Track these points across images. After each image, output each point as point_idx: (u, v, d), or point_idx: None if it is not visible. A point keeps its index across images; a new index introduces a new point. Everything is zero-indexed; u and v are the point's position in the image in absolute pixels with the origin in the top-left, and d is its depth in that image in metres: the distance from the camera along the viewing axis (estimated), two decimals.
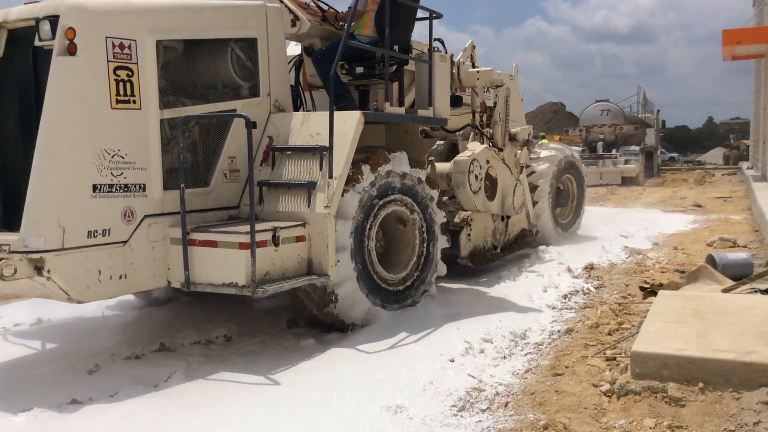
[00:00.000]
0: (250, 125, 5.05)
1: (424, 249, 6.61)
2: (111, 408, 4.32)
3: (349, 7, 6.55)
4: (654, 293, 6.20)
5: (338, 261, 5.54)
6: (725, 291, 6.02)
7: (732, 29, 18.93)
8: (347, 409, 4.10)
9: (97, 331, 6.10)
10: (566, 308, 6.44)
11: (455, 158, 7.72)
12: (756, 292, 6.32)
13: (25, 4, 5.00)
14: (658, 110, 35.26)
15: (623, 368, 4.32)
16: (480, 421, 3.94)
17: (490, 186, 7.99)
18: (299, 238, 5.41)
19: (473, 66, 8.69)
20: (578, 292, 7.05)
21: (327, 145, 5.47)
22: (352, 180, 5.71)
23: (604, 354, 4.84)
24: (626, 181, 24.82)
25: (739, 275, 6.77)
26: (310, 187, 5.47)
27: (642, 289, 6.89)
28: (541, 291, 7.09)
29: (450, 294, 7.04)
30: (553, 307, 6.46)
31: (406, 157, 6.36)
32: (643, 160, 26.78)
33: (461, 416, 4.02)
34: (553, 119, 42.84)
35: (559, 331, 5.67)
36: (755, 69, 25.71)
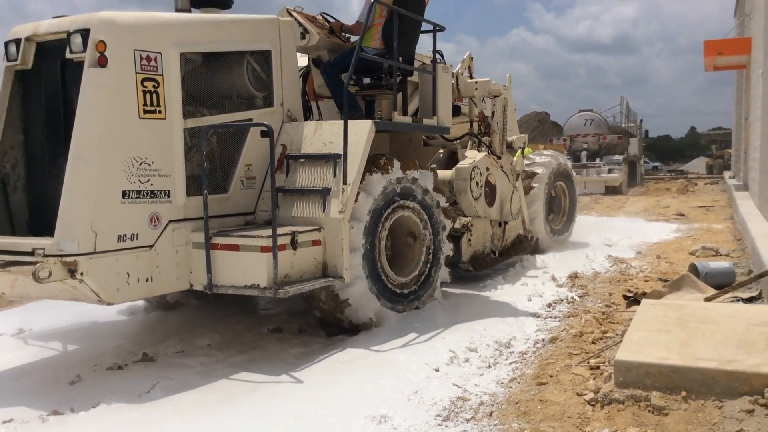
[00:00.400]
0: (272, 134, 5.29)
1: (431, 241, 6.85)
2: (92, 419, 4.29)
3: (357, 21, 6.95)
4: (637, 302, 6.24)
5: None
6: (708, 300, 6.06)
7: (713, 40, 19.16)
8: (331, 420, 4.08)
9: (79, 340, 6.05)
10: (551, 317, 6.46)
11: (457, 166, 8.02)
12: (738, 300, 6.38)
13: (53, 18, 5.25)
14: (641, 120, 35.62)
15: (607, 377, 4.34)
16: (464, 431, 3.93)
17: (490, 192, 8.33)
18: (315, 242, 5.66)
19: (471, 77, 8.96)
20: (562, 300, 7.07)
21: (340, 152, 5.71)
22: (382, 168, 6.16)
23: (588, 363, 4.86)
24: (610, 190, 24.99)
25: (722, 284, 6.83)
26: (324, 193, 5.71)
27: (625, 297, 6.93)
28: (525, 300, 7.10)
29: (436, 302, 7.03)
30: (538, 316, 6.48)
31: (431, 175, 6.80)
32: (626, 169, 27.01)
33: (446, 426, 4.01)
34: (538, 129, 43.08)
35: (543, 340, 5.68)
36: (737, 79, 25.99)
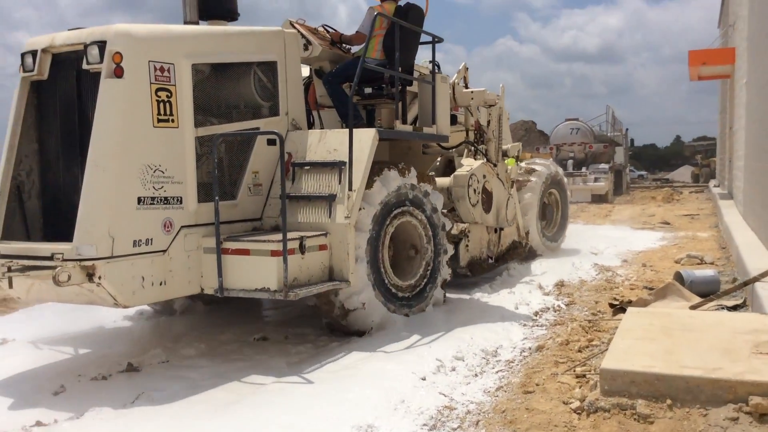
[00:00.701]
0: (282, 142, 5.49)
1: (432, 258, 7.03)
2: (75, 430, 4.25)
3: (357, 32, 7.11)
4: (623, 310, 6.26)
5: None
6: (693, 308, 6.09)
7: (698, 50, 19.34)
8: (317, 430, 4.06)
9: (63, 349, 6.00)
10: (537, 325, 6.47)
11: (455, 173, 8.28)
12: (723, 308, 6.42)
13: (68, 30, 5.42)
14: (627, 129, 35.87)
15: (593, 385, 4.34)
16: None
17: (487, 199, 8.60)
18: (322, 247, 5.82)
19: (466, 86, 9.17)
20: (549, 309, 7.09)
21: (345, 160, 5.92)
22: (400, 171, 6.51)
23: (574, 371, 4.86)
24: (596, 198, 25.13)
25: (707, 292, 6.87)
26: (330, 200, 5.89)
27: (611, 305, 6.96)
28: (512, 308, 7.12)
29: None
30: (525, 324, 6.49)
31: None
32: (612, 177, 27.17)
33: None
34: (525, 137, 43.23)
35: (530, 348, 5.69)
36: (721, 89, 26.25)
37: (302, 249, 5.55)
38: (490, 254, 9.01)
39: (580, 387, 4.51)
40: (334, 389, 4.72)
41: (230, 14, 6.57)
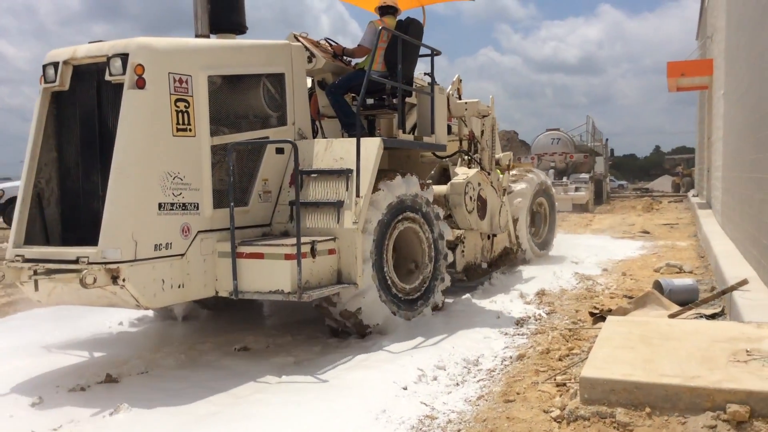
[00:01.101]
0: (297, 150, 5.78)
1: (432, 263, 7.36)
2: None
3: (359, 45, 7.33)
4: (603, 318, 6.30)
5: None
6: (671, 316, 6.14)
7: (676, 61, 19.58)
8: None
9: (41, 359, 5.92)
10: (518, 334, 6.49)
11: (452, 181, 8.65)
12: (701, 317, 6.48)
13: (90, 43, 5.68)
14: (607, 139, 36.19)
15: (573, 394, 4.36)
16: None
17: (482, 206, 8.98)
18: (331, 251, 6.07)
19: (459, 98, 9.57)
20: (530, 318, 7.12)
21: (351, 167, 6.18)
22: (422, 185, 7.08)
23: (555, 380, 4.89)
24: (577, 208, 25.31)
25: (685, 300, 6.93)
26: (338, 206, 6.14)
27: (591, 314, 7.00)
28: (494, 317, 7.14)
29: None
30: (506, 333, 6.50)
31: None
32: (592, 187, 27.39)
33: None
34: (506, 147, 43.53)
35: (511, 357, 5.70)
36: (699, 100, 26.57)
37: (313, 253, 5.78)
38: (483, 260, 9.34)
39: (560, 396, 4.53)
40: (314, 399, 4.71)
41: (239, 27, 6.88)
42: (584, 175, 27.14)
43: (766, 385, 3.74)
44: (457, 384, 5.09)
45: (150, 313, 7.66)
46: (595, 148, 32.19)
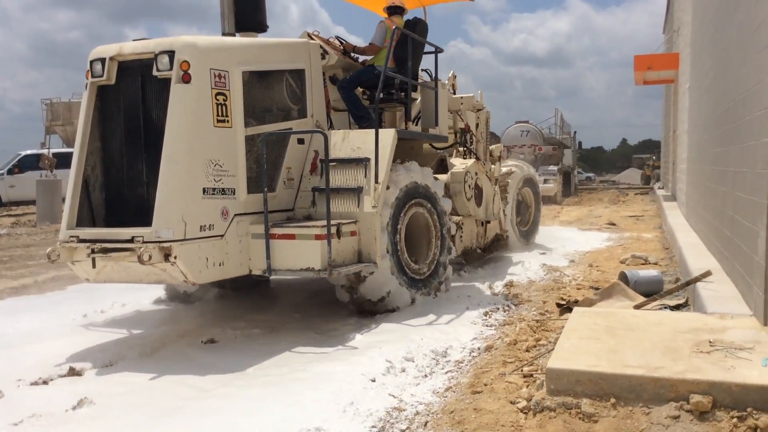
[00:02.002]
0: (327, 139, 6.37)
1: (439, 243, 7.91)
2: None
3: (370, 43, 7.84)
4: (570, 310, 6.35)
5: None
6: (637, 307, 6.21)
7: (643, 55, 19.77)
8: None
9: (2, 354, 5.80)
10: (487, 325, 6.52)
11: (452, 170, 9.26)
12: (666, 308, 6.56)
13: (134, 41, 6.18)
14: (575, 131, 36.53)
15: (539, 385, 4.39)
16: None
17: (478, 194, 9.57)
18: (353, 233, 6.61)
19: (454, 93, 10.18)
20: (498, 309, 7.15)
21: (369, 156, 6.73)
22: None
23: (522, 371, 4.91)
24: (545, 200, 25.41)
25: (650, 292, 7.02)
26: (358, 191, 6.71)
27: (558, 305, 7.05)
28: (462, 308, 7.16)
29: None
30: (474, 324, 6.53)
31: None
32: (561, 179, 27.65)
33: None
34: None
35: (479, 349, 5.73)
36: (665, 93, 26.92)
37: (339, 234, 6.29)
38: (478, 245, 9.88)
39: (527, 386, 4.55)
40: (282, 392, 4.67)
41: (261, 26, 7.44)
42: (553, 167, 27.39)
43: (728, 375, 3.80)
44: (426, 375, 5.10)
45: (114, 306, 7.59)
46: (564, 141, 32.49)
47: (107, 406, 4.55)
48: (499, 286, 8.33)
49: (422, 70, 8.71)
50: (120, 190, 6.10)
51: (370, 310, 6.91)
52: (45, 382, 5.09)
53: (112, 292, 7.96)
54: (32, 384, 5.06)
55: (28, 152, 25.72)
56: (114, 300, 7.83)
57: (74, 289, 8.82)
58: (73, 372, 5.27)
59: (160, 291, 7.95)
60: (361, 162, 6.76)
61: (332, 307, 7.27)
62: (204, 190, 5.87)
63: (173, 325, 6.75)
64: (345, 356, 5.47)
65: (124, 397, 4.72)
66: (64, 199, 6.13)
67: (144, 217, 5.69)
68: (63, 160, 22.91)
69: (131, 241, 5.62)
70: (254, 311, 7.37)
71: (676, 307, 6.63)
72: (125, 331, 6.55)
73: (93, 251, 5.72)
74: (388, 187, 6.87)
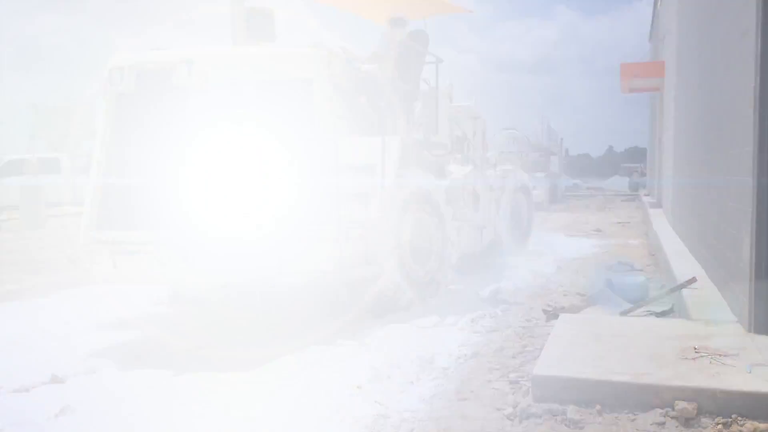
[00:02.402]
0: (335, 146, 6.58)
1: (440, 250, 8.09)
2: None
3: (373, 53, 8.13)
4: (556, 316, 6.36)
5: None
6: (622, 314, 6.24)
7: (629, 63, 19.89)
8: None
9: None
10: (474, 332, 6.51)
11: (450, 177, 9.21)
12: (651, 314, 6.58)
13: (152, 50, 6.49)
14: (562, 138, 36.69)
15: (525, 391, 4.39)
16: None
17: (475, 201, 9.84)
18: (360, 236, 6.79)
19: (451, 102, 10.19)
20: (485, 315, 7.14)
21: (377, 162, 6.89)
22: None
23: (508, 377, 4.91)
24: None
25: (636, 298, 7.04)
26: (366, 196, 6.85)
27: (545, 312, 7.06)
28: (449, 314, 7.14)
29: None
30: (462, 330, 6.52)
31: None
32: (548, 186, 27.72)
33: None
34: None
35: (465, 355, 5.71)
36: (651, 101, 27.10)
37: (348, 237, 6.53)
38: (474, 251, 10.04)
39: (513, 393, 4.55)
40: (266, 399, 4.64)
41: (269, 36, 7.60)
42: (539, 174, 27.47)
43: (713, 382, 3.81)
44: (412, 382, 5.07)
45: (96, 312, 7.53)
46: (551, 148, 32.62)
47: (89, 414, 4.49)
48: (487, 292, 8.32)
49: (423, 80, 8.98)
50: (138, 195, 6.34)
51: (371, 313, 6.93)
52: (26, 390, 5.02)
53: (97, 298, 7.89)
54: (14, 391, 4.99)
55: (13, 157, 25.51)
56: (98, 306, 7.76)
57: (57, 296, 8.73)
58: (55, 379, 5.20)
59: (156, 294, 7.91)
60: (368, 168, 6.93)
61: (318, 314, 7.24)
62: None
63: (157, 331, 6.70)
64: (331, 363, 5.43)
65: (106, 404, 4.66)
66: (58, 204, 6.59)
67: (162, 221, 6.00)
68: (48, 166, 22.78)
69: (151, 243, 5.94)
70: (238, 319, 7.33)
71: (662, 314, 6.65)
72: (109, 338, 6.49)
73: (114, 253, 6.08)
74: (393, 193, 7.05)
